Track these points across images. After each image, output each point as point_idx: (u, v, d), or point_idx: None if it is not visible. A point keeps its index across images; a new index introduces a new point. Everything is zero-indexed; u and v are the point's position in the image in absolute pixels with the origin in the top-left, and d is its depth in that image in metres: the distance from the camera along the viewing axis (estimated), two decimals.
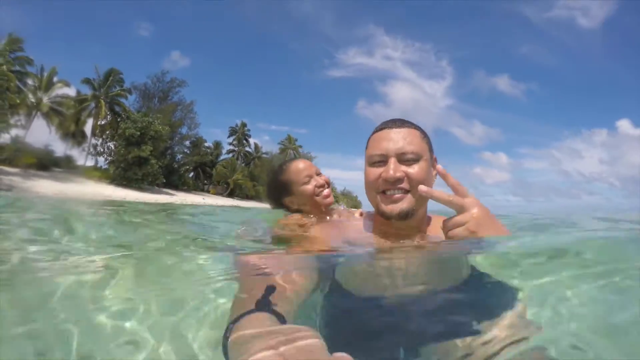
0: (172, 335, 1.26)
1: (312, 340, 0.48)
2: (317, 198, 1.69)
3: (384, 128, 1.11)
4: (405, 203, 1.06)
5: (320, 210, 1.73)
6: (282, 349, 0.46)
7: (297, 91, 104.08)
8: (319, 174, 1.73)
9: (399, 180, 1.04)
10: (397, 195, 1.05)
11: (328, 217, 1.73)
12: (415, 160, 1.06)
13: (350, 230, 1.30)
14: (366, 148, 1.15)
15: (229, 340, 0.58)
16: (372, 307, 1.13)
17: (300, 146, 54.80)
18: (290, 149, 53.32)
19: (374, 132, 1.14)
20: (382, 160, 1.06)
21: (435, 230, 1.16)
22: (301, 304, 0.91)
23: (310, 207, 1.72)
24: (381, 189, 1.06)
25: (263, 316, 0.63)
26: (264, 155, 51.91)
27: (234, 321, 0.62)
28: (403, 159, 1.05)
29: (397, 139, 1.07)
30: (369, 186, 1.10)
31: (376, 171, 1.07)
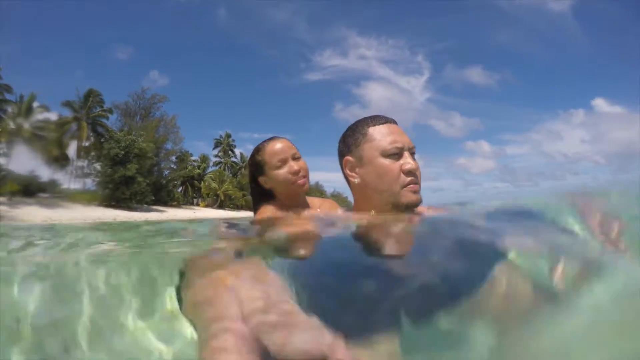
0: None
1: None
2: (290, 186, 1.58)
3: (386, 122, 1.14)
4: (419, 192, 1.12)
5: (293, 199, 1.63)
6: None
7: (277, 97, 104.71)
8: (296, 158, 1.60)
9: (417, 171, 1.10)
10: (417, 186, 1.10)
11: (306, 211, 1.63)
12: (414, 154, 1.14)
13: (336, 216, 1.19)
14: (368, 140, 1.12)
15: None
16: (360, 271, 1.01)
17: None
18: None
19: (371, 125, 1.13)
20: (397, 154, 1.09)
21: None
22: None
23: (283, 193, 1.62)
24: (407, 181, 1.08)
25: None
26: None
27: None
28: (411, 152, 1.11)
29: (404, 134, 1.13)
30: (391, 179, 1.08)
31: (395, 164, 1.08)
